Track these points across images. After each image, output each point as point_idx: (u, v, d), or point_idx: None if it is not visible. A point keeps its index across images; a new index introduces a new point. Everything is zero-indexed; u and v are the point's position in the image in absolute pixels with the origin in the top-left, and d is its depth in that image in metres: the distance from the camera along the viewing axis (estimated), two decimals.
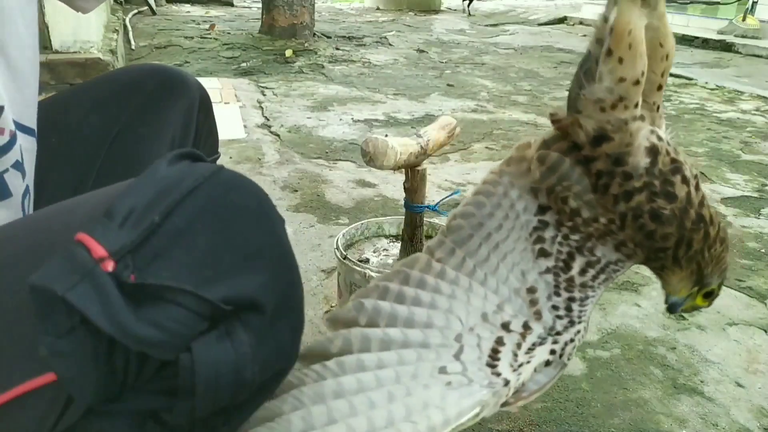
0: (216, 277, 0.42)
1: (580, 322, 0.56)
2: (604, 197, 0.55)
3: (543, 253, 0.57)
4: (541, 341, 0.54)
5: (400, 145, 0.91)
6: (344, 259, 0.98)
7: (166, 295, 0.40)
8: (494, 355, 0.52)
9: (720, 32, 5.67)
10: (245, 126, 2.51)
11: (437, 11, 7.48)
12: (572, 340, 0.55)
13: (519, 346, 0.53)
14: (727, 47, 5.30)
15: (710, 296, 0.63)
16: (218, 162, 0.73)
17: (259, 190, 0.48)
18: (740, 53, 5.17)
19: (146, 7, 5.76)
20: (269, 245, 0.46)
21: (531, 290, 0.57)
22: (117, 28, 3.48)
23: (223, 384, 0.42)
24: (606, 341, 1.21)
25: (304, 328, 0.51)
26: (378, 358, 0.52)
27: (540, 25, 6.48)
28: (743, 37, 5.45)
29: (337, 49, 4.52)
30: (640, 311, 1.32)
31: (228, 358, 0.42)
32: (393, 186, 1.93)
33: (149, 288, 0.39)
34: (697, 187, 0.56)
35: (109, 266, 0.39)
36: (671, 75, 4.07)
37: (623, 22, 0.52)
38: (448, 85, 3.54)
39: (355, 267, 0.96)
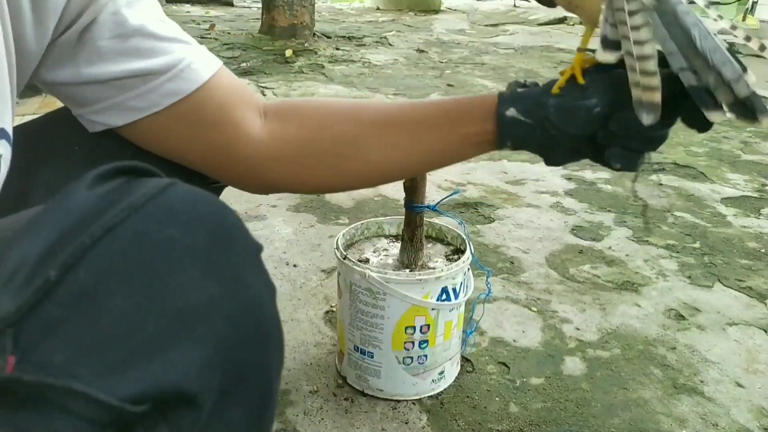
0: (129, 360, 0.30)
1: None
2: None
3: None
4: None
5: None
6: (344, 259, 0.98)
7: (50, 397, 0.28)
8: None
9: (720, 32, 5.66)
10: None
11: (437, 11, 7.48)
12: None
13: None
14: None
15: None
16: None
17: (221, 215, 0.35)
18: (740, 53, 5.16)
19: None
20: (219, 299, 0.33)
21: None
22: None
23: None
24: (606, 341, 1.21)
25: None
26: None
27: (540, 25, 6.48)
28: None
29: (337, 49, 4.52)
30: (640, 311, 1.32)
31: None
32: (393, 186, 1.93)
33: (28, 386, 0.28)
34: None
35: None
36: None
37: None
38: (448, 85, 3.54)
39: (355, 267, 0.96)
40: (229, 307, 0.34)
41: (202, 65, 0.60)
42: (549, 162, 0.62)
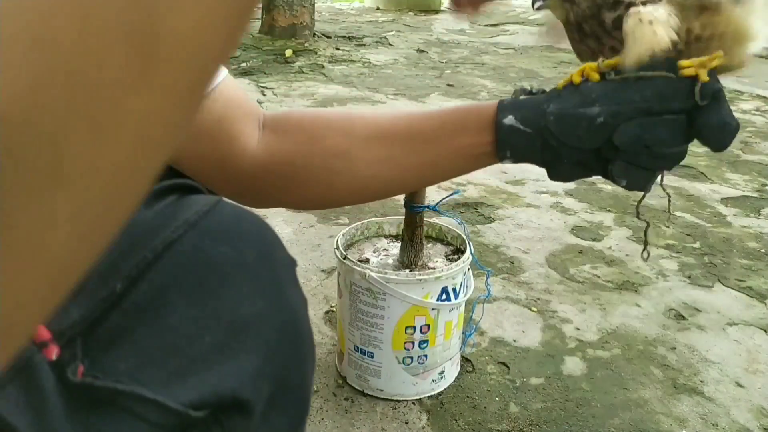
0: (190, 368, 0.32)
1: None
2: None
3: None
4: None
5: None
6: (344, 259, 0.98)
7: (120, 402, 0.30)
8: None
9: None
10: None
11: (437, 11, 7.48)
12: None
13: None
14: None
15: None
16: None
17: (263, 232, 0.38)
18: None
19: None
20: (267, 313, 0.36)
21: None
22: None
23: None
24: (606, 341, 1.21)
25: None
26: None
27: (540, 25, 6.48)
28: None
29: (337, 49, 4.52)
30: (640, 311, 1.32)
31: None
32: None
33: (99, 391, 0.30)
34: None
35: (53, 353, 0.29)
36: None
37: None
38: (448, 85, 3.54)
39: (355, 267, 0.96)
40: (275, 320, 0.36)
41: None
42: (553, 176, 0.57)
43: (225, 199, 0.37)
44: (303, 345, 0.39)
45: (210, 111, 0.59)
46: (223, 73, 0.61)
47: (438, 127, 0.60)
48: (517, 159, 0.56)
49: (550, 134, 0.53)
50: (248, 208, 0.39)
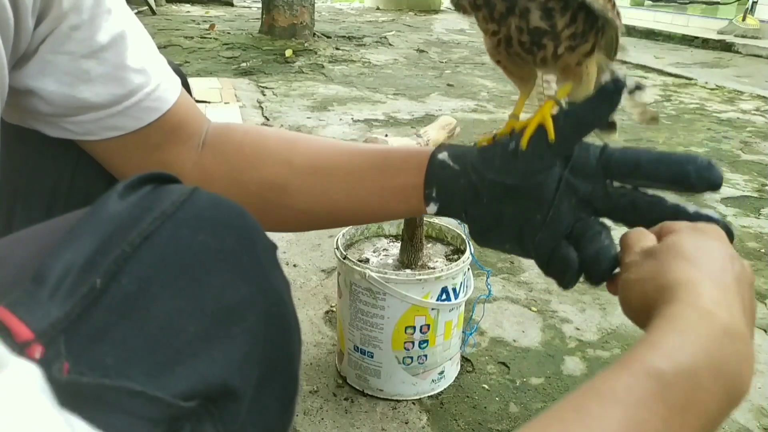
0: (176, 359, 0.32)
1: None
2: None
3: None
4: None
5: (400, 145, 0.91)
6: (344, 259, 0.98)
7: (108, 397, 0.29)
8: None
9: (720, 32, 5.67)
10: None
11: (437, 11, 7.48)
12: None
13: None
14: (727, 47, 5.30)
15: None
16: None
17: (241, 219, 0.38)
18: (740, 53, 5.17)
19: (146, 7, 5.76)
20: (251, 298, 0.36)
21: None
22: None
23: None
24: (606, 341, 1.21)
25: (304, 328, 0.47)
26: None
27: None
28: (743, 37, 5.45)
29: (337, 49, 4.53)
30: None
31: None
32: None
33: (86, 387, 0.29)
34: None
35: (36, 352, 0.29)
36: (671, 75, 4.07)
37: None
38: (448, 85, 3.54)
39: (355, 267, 0.96)
40: (259, 305, 0.36)
41: (154, 102, 0.55)
42: (471, 227, 0.56)
43: (200, 188, 0.37)
44: (288, 328, 0.39)
45: (150, 137, 0.56)
46: (174, 95, 0.58)
47: (377, 165, 0.59)
48: (441, 201, 0.56)
49: (472, 168, 0.54)
50: (224, 197, 0.38)
